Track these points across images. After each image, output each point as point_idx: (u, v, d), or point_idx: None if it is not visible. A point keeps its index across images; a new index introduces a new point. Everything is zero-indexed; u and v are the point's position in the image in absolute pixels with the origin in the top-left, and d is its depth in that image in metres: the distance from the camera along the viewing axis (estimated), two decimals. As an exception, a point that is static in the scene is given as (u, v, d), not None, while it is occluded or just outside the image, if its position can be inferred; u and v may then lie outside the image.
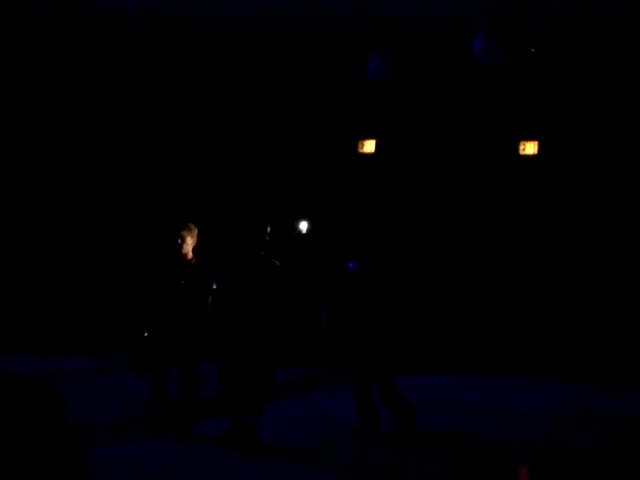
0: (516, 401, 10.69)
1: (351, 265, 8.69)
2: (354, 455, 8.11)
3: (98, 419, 8.88)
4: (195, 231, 8.31)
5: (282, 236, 9.31)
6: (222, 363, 8.40)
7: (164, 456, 7.69)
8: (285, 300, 8.41)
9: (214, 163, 14.00)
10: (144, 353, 8.19)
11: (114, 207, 13.96)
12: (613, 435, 9.00)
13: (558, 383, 12.00)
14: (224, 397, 8.47)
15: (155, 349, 8.17)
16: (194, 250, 8.30)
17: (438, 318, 13.32)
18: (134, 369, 8.29)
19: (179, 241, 8.18)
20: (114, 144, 14.01)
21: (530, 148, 13.79)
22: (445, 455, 7.98)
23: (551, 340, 13.14)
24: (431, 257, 13.62)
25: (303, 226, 11.65)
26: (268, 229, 8.30)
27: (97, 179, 13.98)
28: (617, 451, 8.34)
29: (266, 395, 8.46)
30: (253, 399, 8.30)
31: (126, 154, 14.05)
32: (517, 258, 13.57)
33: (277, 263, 8.36)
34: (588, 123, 13.35)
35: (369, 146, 13.87)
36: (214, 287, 8.24)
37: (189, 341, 8.21)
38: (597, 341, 12.97)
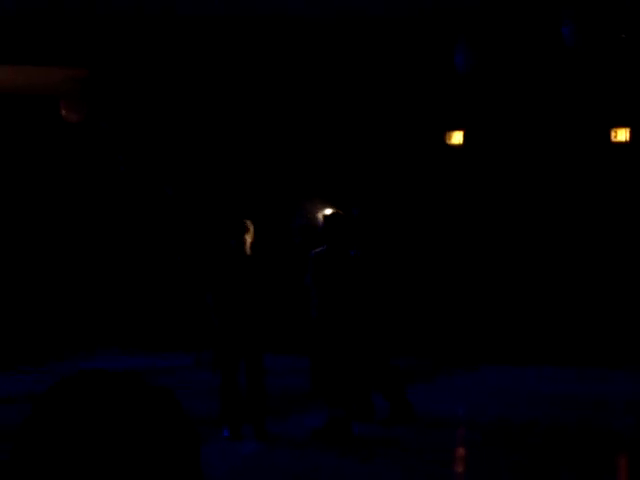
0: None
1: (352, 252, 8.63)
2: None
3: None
4: (252, 228, 8.40)
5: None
6: (317, 357, 8.48)
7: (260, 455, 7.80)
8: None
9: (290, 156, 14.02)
10: (217, 349, 8.32)
11: (200, 203, 14.11)
12: None
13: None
14: (318, 391, 8.55)
15: (225, 345, 8.28)
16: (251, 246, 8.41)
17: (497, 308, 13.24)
18: (212, 366, 8.43)
19: (242, 240, 8.30)
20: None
21: (622, 135, 13.50)
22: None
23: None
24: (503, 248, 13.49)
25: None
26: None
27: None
28: None
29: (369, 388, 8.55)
30: (350, 393, 8.37)
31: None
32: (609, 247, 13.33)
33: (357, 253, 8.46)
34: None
35: (456, 137, 13.76)
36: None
37: (257, 335, 8.31)
38: None
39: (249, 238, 8.37)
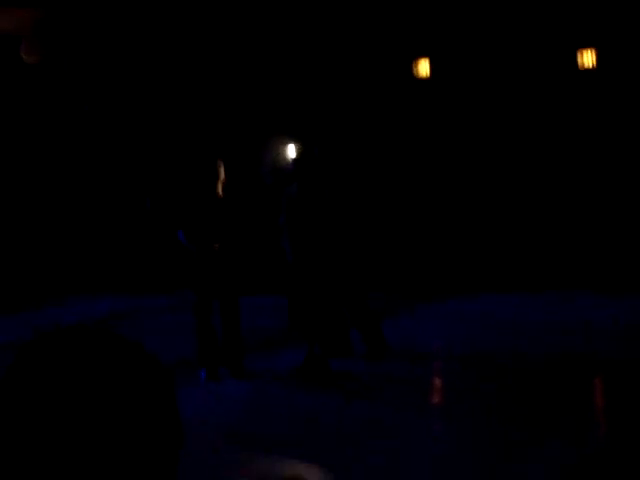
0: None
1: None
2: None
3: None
4: (223, 168, 8.35)
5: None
6: (294, 297, 8.53)
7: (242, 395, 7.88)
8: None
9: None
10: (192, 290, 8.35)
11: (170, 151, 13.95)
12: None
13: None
14: (296, 329, 8.61)
15: (199, 286, 8.30)
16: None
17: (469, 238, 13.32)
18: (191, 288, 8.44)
19: (214, 180, 8.25)
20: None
21: (587, 58, 13.42)
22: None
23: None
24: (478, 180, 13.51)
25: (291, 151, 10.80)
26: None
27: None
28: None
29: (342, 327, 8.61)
30: (327, 330, 8.43)
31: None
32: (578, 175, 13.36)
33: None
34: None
35: (423, 67, 13.59)
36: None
37: (231, 276, 8.33)
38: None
39: (221, 178, 8.32)
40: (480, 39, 13.36)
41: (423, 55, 13.66)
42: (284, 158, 9.54)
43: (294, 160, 8.77)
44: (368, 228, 9.68)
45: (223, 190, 8.34)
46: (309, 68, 13.53)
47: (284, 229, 8.69)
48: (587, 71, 13.27)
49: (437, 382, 8.76)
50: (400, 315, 11.25)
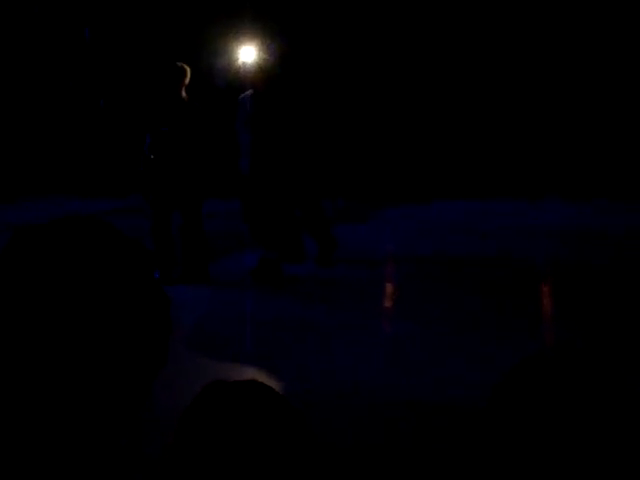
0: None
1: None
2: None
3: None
4: (189, 71, 8.27)
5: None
6: (248, 201, 8.55)
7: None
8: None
9: None
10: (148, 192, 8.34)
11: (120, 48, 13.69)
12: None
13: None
14: (250, 234, 8.66)
15: (157, 187, 8.31)
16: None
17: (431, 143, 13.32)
18: (143, 197, 8.43)
19: (179, 84, 8.18)
20: None
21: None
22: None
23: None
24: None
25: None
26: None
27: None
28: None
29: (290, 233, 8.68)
30: (279, 236, 8.50)
31: None
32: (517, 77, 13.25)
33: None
34: None
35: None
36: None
37: (193, 180, 8.35)
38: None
39: (185, 82, 8.25)
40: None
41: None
42: (239, 61, 9.41)
43: (249, 66, 8.67)
44: (324, 134, 9.66)
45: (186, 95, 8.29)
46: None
47: (238, 136, 8.66)
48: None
49: (383, 285, 8.88)
50: (356, 221, 11.37)
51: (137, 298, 1.20)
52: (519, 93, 13.20)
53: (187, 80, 8.23)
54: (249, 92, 8.64)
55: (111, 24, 13.58)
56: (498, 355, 5.98)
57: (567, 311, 7.36)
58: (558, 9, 12.89)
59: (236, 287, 8.36)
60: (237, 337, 6.89)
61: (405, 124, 13.38)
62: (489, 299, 7.67)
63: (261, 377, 5.30)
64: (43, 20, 13.71)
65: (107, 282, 1.18)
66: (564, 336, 6.66)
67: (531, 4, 12.94)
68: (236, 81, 9.87)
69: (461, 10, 13.16)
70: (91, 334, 1.16)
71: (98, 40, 13.69)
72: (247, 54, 9.38)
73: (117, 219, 9.27)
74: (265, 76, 8.50)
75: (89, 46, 13.73)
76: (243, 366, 6.07)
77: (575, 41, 12.91)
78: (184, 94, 8.26)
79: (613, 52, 12.82)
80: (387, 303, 8.32)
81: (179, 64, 8.27)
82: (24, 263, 1.17)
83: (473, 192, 12.77)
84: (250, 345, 6.74)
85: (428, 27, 13.26)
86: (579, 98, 13.02)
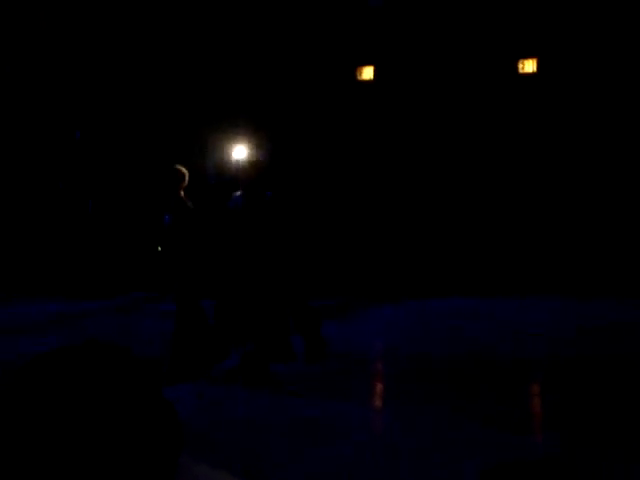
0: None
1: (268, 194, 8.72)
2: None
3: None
4: (187, 174, 8.39)
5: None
6: (230, 297, 8.52)
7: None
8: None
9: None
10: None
11: (113, 151, 13.89)
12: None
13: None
14: (224, 333, 8.57)
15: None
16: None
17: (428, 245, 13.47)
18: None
19: (179, 187, 8.29)
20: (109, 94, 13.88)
21: (529, 66, 13.68)
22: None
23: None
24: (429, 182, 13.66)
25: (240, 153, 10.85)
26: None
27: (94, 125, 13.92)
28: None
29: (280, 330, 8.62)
30: (264, 332, 8.45)
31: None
32: (515, 180, 13.57)
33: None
34: (587, 39, 13.21)
35: (367, 73, 13.73)
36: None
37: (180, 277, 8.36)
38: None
39: (184, 185, 8.35)
40: (425, 47, 13.51)
41: (368, 63, 13.79)
42: (229, 160, 9.58)
43: (240, 165, 8.80)
44: (312, 232, 9.73)
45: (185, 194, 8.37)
46: (258, 70, 13.56)
47: (226, 236, 8.70)
48: (527, 76, 13.52)
49: (375, 385, 8.80)
50: (347, 317, 11.36)
51: (144, 425, 1.20)
52: (514, 195, 13.42)
53: (185, 183, 8.35)
54: (239, 192, 8.72)
55: (102, 125, 13.78)
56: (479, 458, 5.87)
57: (558, 415, 7.27)
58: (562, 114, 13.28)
59: (221, 384, 8.24)
60: (218, 440, 6.76)
61: (402, 223, 13.55)
62: (474, 401, 7.59)
63: None
64: (33, 122, 13.91)
65: (114, 410, 1.18)
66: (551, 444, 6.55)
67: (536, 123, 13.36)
68: (226, 178, 9.99)
69: (444, 110, 13.48)
70: (99, 461, 1.16)
71: (88, 140, 13.86)
72: (239, 152, 9.55)
73: (107, 318, 9.22)
74: (256, 172, 8.61)
75: (79, 146, 13.89)
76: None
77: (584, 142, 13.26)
78: (182, 194, 8.35)
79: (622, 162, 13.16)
80: (377, 403, 8.22)
81: (178, 167, 8.39)
82: (35, 390, 1.18)
83: (470, 289, 12.86)
84: (230, 444, 6.60)
85: (411, 133, 13.55)
86: (580, 196, 13.27)
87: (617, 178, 13.26)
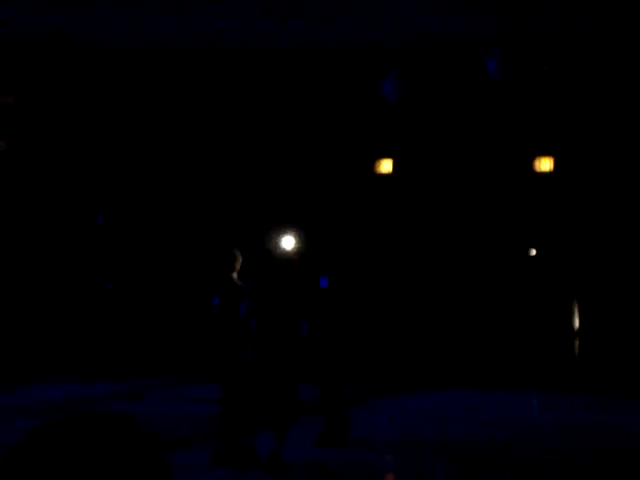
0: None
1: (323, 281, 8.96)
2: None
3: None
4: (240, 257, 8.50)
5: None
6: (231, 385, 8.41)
7: None
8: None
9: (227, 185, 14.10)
10: None
11: (134, 233, 14.08)
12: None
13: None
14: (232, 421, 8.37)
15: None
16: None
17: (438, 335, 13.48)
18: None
19: (233, 269, 8.39)
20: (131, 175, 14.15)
21: (546, 164, 13.86)
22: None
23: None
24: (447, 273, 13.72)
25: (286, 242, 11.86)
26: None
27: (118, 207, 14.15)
28: None
29: (291, 416, 8.51)
30: (279, 420, 8.34)
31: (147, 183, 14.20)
32: (527, 276, 13.63)
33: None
34: (603, 139, 13.41)
35: (386, 166, 13.97)
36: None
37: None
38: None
39: (237, 266, 8.43)
40: (442, 142, 13.74)
41: (386, 156, 14.02)
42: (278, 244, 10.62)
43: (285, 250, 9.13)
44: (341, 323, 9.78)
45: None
46: (276, 161, 13.81)
47: (245, 321, 8.71)
48: (543, 175, 13.70)
49: (388, 475, 8.70)
50: (363, 406, 11.29)
51: None
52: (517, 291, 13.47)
53: (239, 265, 8.42)
54: (251, 283, 8.71)
55: (123, 212, 13.99)
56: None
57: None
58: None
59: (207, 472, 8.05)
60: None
61: (411, 316, 13.57)
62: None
63: None
64: (60, 206, 14.14)
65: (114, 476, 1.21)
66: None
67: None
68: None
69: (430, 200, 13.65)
70: None
71: (109, 226, 14.05)
72: (287, 241, 10.49)
73: (117, 404, 9.14)
74: (296, 260, 8.86)
75: (101, 232, 14.07)
76: None
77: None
78: (235, 276, 8.40)
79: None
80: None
81: (234, 250, 8.48)
82: (40, 459, 1.22)
83: (481, 382, 12.77)
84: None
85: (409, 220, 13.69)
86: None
87: (635, 277, 13.30)
